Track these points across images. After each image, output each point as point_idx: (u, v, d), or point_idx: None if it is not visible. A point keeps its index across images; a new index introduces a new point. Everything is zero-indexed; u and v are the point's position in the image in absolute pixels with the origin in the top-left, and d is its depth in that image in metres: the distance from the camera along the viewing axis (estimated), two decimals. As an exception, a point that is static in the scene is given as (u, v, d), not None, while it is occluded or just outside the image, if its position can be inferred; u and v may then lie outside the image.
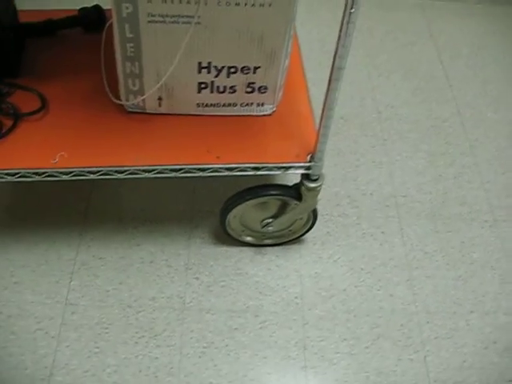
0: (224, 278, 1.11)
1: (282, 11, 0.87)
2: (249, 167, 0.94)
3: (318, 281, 1.12)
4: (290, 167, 0.96)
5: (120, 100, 0.98)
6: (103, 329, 1.04)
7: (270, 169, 0.95)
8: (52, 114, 1.00)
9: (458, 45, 1.63)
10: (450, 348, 1.05)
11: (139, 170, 0.94)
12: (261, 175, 0.96)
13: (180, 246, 1.15)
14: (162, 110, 0.99)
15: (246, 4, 0.85)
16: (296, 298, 1.09)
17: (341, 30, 0.76)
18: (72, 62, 1.09)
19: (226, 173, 0.95)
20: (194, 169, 0.94)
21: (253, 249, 1.15)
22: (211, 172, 0.95)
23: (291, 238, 1.15)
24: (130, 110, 0.99)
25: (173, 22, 0.86)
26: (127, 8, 0.84)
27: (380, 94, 1.46)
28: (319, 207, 1.22)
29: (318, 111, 0.90)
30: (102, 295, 1.08)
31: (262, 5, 0.85)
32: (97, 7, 1.13)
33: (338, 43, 0.78)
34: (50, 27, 1.11)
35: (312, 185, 0.98)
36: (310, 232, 1.14)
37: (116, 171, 0.94)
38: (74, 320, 1.04)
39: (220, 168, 0.94)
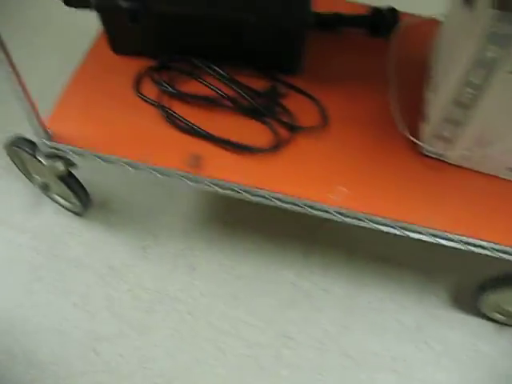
0: (460, 355, 0.96)
1: None
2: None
3: None
4: None
5: (416, 138, 0.83)
6: (318, 374, 0.94)
7: None
8: (332, 133, 0.87)
9: None
10: None
11: (433, 233, 0.79)
12: None
13: (410, 299, 1.01)
14: (464, 163, 0.83)
15: None
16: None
17: None
18: (355, 71, 0.94)
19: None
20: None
21: (493, 324, 0.99)
22: (513, 256, 0.79)
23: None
24: (426, 153, 0.84)
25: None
26: (493, 52, 0.67)
27: None
28: None
29: None
30: (322, 335, 0.97)
31: None
32: (393, 11, 0.96)
33: None
34: (337, 22, 0.96)
35: None
36: None
37: (403, 227, 0.80)
38: (287, 356, 0.95)
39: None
